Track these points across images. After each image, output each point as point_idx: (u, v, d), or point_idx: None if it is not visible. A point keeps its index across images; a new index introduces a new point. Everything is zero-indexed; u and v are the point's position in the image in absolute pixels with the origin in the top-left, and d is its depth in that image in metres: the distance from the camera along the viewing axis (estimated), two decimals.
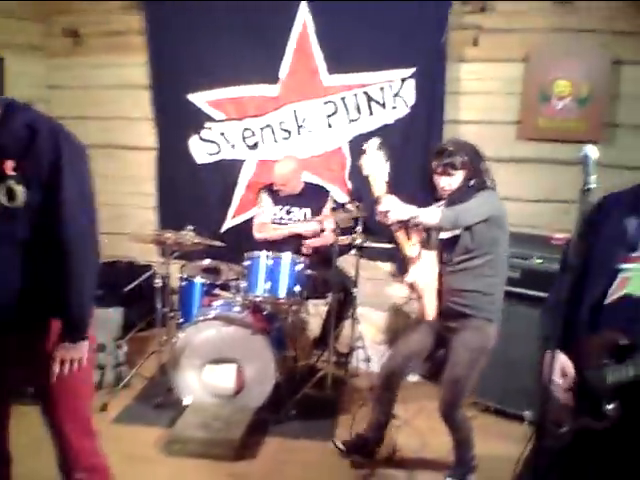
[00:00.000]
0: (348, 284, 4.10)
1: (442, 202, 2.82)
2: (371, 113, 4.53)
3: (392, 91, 4.46)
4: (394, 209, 2.71)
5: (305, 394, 3.65)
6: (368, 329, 4.63)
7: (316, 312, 4.59)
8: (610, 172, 4.05)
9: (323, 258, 4.14)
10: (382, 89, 4.47)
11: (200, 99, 4.70)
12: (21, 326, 1.91)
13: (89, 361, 2.06)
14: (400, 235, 2.85)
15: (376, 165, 2.85)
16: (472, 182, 2.73)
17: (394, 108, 4.48)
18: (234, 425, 3.27)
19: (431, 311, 2.82)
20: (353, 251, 4.33)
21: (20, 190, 1.80)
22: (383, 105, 4.50)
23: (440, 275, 2.83)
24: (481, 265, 2.73)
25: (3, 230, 1.82)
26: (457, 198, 2.72)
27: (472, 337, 2.76)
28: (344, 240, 3.95)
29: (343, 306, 4.12)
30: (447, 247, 2.80)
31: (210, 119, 4.73)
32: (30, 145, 1.79)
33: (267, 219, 4.29)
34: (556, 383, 1.75)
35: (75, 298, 1.92)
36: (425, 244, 2.88)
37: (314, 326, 4.57)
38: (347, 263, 4.36)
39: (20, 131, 1.79)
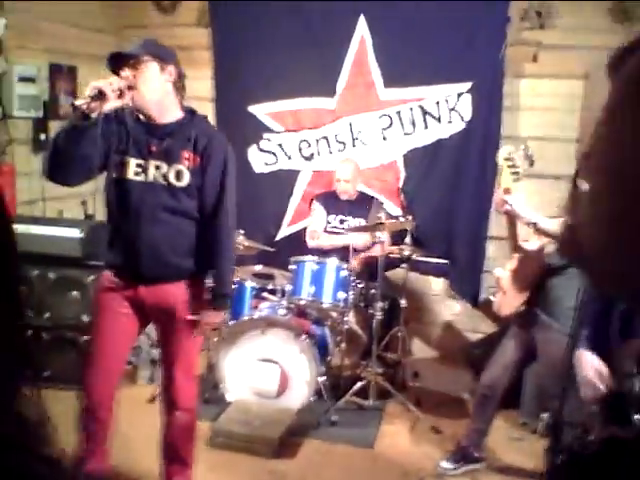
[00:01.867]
0: (396, 296, 4.10)
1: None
2: (426, 127, 4.56)
3: (448, 105, 4.48)
4: (517, 207, 2.73)
5: (348, 402, 3.66)
6: (417, 343, 4.62)
7: (364, 323, 4.60)
8: None
9: (373, 269, 4.16)
10: (438, 103, 4.50)
11: (260, 111, 4.84)
12: (183, 278, 2.44)
13: None
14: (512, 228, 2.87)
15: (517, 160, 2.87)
16: None
17: (450, 122, 4.50)
18: (275, 424, 3.31)
19: (506, 310, 2.84)
20: (404, 264, 4.36)
21: (187, 174, 2.35)
22: (438, 119, 4.52)
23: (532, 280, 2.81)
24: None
25: (170, 203, 2.36)
26: None
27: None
28: (395, 253, 3.98)
29: (391, 318, 4.12)
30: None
31: (269, 130, 4.87)
32: (206, 146, 2.37)
33: (319, 227, 4.35)
34: (592, 383, 1.73)
35: (224, 264, 2.49)
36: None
37: (361, 337, 4.58)
38: (397, 276, 4.37)
39: (199, 133, 2.39)
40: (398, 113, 4.59)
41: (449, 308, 4.72)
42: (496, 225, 4.42)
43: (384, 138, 4.65)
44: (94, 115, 2.14)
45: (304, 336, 3.49)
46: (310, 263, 3.64)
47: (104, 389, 2.52)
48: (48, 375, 3.76)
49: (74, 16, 4.61)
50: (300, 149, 4.84)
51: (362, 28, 4.55)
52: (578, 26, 4.16)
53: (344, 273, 3.65)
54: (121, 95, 2.18)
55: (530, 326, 2.84)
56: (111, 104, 2.16)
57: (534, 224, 2.69)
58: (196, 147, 2.37)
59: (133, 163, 2.36)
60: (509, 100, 4.37)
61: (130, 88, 2.22)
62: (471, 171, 4.43)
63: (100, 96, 2.11)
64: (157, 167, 2.35)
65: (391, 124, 4.62)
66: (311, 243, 4.34)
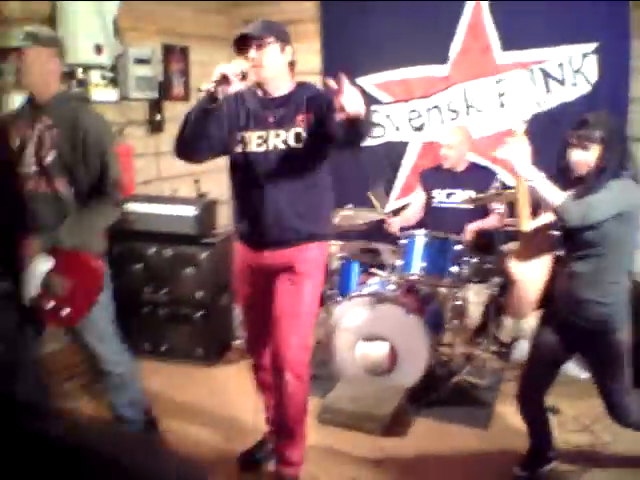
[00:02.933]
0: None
1: (571, 192, 2.48)
2: (548, 91, 4.25)
3: (572, 67, 4.15)
4: (517, 158, 2.49)
5: (460, 380, 3.52)
6: (532, 321, 4.36)
7: (478, 299, 4.41)
8: None
9: (487, 243, 3.97)
10: (561, 65, 4.18)
11: (368, 82, 4.72)
12: (306, 240, 2.55)
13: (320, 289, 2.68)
14: (522, 206, 2.64)
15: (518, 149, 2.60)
16: (607, 166, 2.37)
17: (574, 85, 4.17)
18: (385, 402, 3.25)
19: (525, 310, 2.60)
20: None
21: (304, 136, 2.45)
22: (562, 82, 4.20)
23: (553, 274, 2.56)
24: (602, 269, 2.41)
25: (292, 167, 2.47)
26: (588, 187, 2.39)
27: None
28: (510, 225, 3.75)
29: (506, 294, 3.91)
30: (562, 241, 2.51)
31: (377, 102, 4.74)
32: (313, 99, 2.46)
33: (409, 214, 4.26)
34: None
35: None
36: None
37: (475, 313, 4.40)
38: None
39: (309, 95, 2.49)
40: (517, 77, 4.30)
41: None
42: None
43: (501, 105, 4.39)
44: (220, 97, 2.29)
45: (414, 312, 3.38)
46: (421, 237, 3.51)
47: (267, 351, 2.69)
48: (165, 349, 3.92)
49: None
50: (410, 119, 4.68)
51: None
52: None
53: (458, 247, 3.48)
54: (244, 77, 2.31)
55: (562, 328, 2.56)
56: (235, 86, 2.30)
57: (533, 184, 2.40)
58: (308, 108, 2.46)
59: (255, 136, 2.50)
60: (637, 61, 3.97)
61: (254, 67, 2.37)
62: None
63: (224, 80, 2.26)
64: (277, 135, 2.48)
65: (509, 89, 4.34)
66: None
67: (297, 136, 2.47)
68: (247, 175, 2.53)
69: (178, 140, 2.42)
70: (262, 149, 2.49)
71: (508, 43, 4.30)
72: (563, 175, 2.53)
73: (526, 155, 2.53)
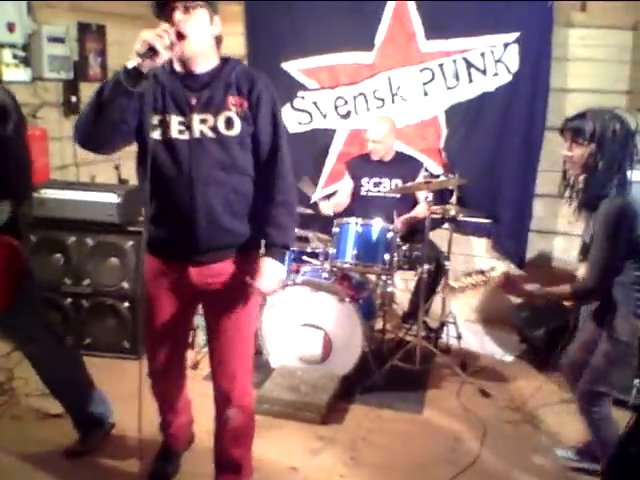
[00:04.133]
0: (440, 257, 3.97)
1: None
2: (470, 80, 4.34)
3: (494, 57, 4.26)
4: None
5: (393, 366, 3.57)
6: (460, 306, 4.50)
7: (405, 285, 4.50)
8: None
9: (415, 230, 4.03)
10: (483, 55, 4.28)
11: (294, 68, 4.66)
12: (242, 246, 2.19)
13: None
14: None
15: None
16: (596, 171, 2.27)
17: (495, 75, 4.28)
18: (321, 390, 3.24)
19: None
20: (446, 224, 4.22)
21: (237, 120, 2.10)
22: (484, 72, 4.30)
23: None
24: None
25: (223, 158, 2.10)
26: (588, 198, 2.35)
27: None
28: (437, 212, 3.83)
29: (434, 280, 3.99)
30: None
31: (303, 88, 4.69)
32: (251, 88, 2.12)
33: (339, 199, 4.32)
34: None
35: (287, 219, 2.21)
36: None
37: (403, 299, 4.48)
38: (440, 237, 4.23)
39: (239, 75, 2.13)
40: (440, 66, 4.38)
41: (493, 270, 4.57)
42: (544, 182, 4.25)
43: (425, 93, 4.46)
44: (146, 74, 1.89)
45: (348, 300, 3.39)
46: (354, 225, 3.51)
47: (168, 359, 2.41)
48: (89, 343, 3.74)
49: None
50: (336, 107, 4.66)
51: None
52: None
53: (390, 235, 3.51)
54: (172, 47, 1.91)
55: None
56: (162, 58, 1.89)
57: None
58: (240, 90, 2.11)
59: (175, 121, 2.09)
60: (557, 51, 4.13)
61: (180, 37, 1.95)
62: (518, 125, 4.24)
63: (152, 52, 1.86)
64: (202, 120, 2.08)
65: (433, 78, 4.42)
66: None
67: (228, 121, 2.09)
68: (166, 168, 2.09)
69: (84, 126, 1.99)
70: (185, 137, 2.08)
71: (432, 32, 4.35)
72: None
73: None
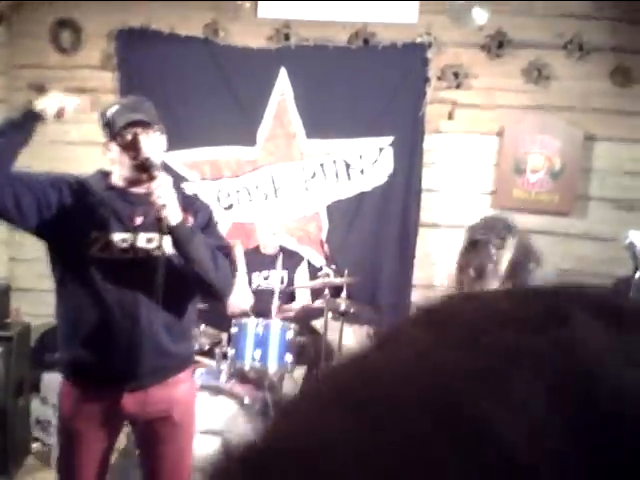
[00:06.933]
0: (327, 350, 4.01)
1: None
2: (349, 179, 4.57)
3: (370, 159, 4.53)
4: None
5: None
6: None
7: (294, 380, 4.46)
8: (581, 243, 4.24)
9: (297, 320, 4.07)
10: (360, 156, 4.54)
11: (175, 160, 4.60)
12: (183, 369, 2.16)
13: None
14: None
15: None
16: None
17: (372, 176, 4.55)
18: None
19: None
20: (329, 314, 4.30)
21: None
22: (361, 172, 4.56)
23: None
24: None
25: (170, 277, 1.99)
26: None
27: None
28: (318, 304, 3.93)
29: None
30: None
31: (184, 180, 4.63)
32: (192, 204, 2.19)
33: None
34: None
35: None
36: None
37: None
38: (332, 330, 4.29)
39: (178, 192, 2.09)
40: (321, 165, 4.57)
41: None
42: (420, 274, 4.52)
43: (306, 189, 4.61)
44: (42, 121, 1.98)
45: (248, 403, 3.29)
46: (253, 325, 3.46)
47: None
48: None
49: None
50: (218, 199, 4.65)
51: (283, 79, 4.51)
52: (493, 86, 4.39)
53: (290, 334, 3.50)
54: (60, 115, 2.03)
55: None
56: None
57: None
58: (186, 209, 2.08)
59: (117, 238, 2.02)
60: (428, 155, 4.51)
61: (144, 161, 1.97)
62: (394, 221, 4.50)
63: (59, 113, 2.01)
64: (149, 240, 2.04)
65: (314, 175, 4.59)
66: None
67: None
68: (102, 286, 2.00)
69: None
70: (128, 256, 2.03)
71: (312, 132, 4.55)
72: None
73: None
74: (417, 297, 4.60)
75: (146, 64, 4.58)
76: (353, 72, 4.42)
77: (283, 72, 4.50)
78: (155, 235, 2.04)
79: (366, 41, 4.45)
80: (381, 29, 4.44)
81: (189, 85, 4.55)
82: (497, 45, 4.35)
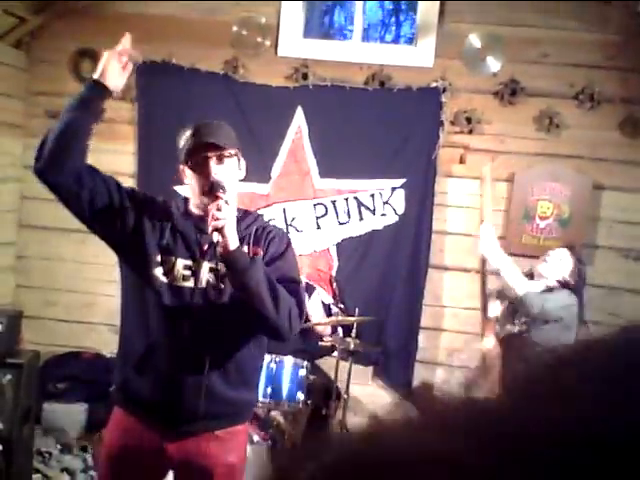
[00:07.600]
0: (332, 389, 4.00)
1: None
2: (361, 218, 4.62)
3: (382, 199, 4.59)
4: (487, 246, 2.64)
5: None
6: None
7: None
8: (589, 291, 4.27)
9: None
10: (372, 196, 4.60)
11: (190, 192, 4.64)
12: (239, 420, 2.05)
13: None
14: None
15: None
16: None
17: (383, 215, 4.60)
18: None
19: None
20: (335, 353, 4.30)
21: None
22: (373, 211, 4.61)
23: None
24: None
25: (230, 313, 1.92)
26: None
27: None
28: (328, 342, 3.94)
29: (327, 414, 3.99)
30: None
31: None
32: (268, 238, 2.06)
33: None
34: None
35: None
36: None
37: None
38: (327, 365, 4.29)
39: (259, 226, 2.08)
40: (333, 202, 4.62)
41: (379, 399, 4.69)
42: (428, 316, 4.53)
43: (318, 226, 4.65)
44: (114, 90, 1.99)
45: (258, 442, 3.28)
46: (266, 360, 3.46)
47: None
48: None
49: None
50: None
51: (299, 117, 4.58)
52: (504, 132, 4.48)
53: (302, 372, 3.50)
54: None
55: None
56: (119, 81, 2.01)
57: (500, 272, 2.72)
58: (258, 241, 2.00)
59: (180, 264, 1.94)
60: (439, 197, 4.56)
61: (215, 188, 1.88)
62: (404, 262, 4.54)
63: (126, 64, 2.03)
64: (212, 269, 1.94)
65: (326, 213, 4.63)
66: None
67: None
68: (157, 311, 1.92)
69: (44, 147, 1.90)
70: (189, 284, 1.92)
71: (326, 171, 4.61)
72: None
73: (493, 240, 2.70)
74: (423, 340, 4.61)
75: (165, 97, 4.65)
76: (368, 113, 4.50)
77: (300, 110, 4.58)
78: (220, 265, 1.93)
79: (382, 83, 4.54)
80: (397, 72, 4.54)
81: (206, 119, 4.59)
82: (510, 92, 4.45)
